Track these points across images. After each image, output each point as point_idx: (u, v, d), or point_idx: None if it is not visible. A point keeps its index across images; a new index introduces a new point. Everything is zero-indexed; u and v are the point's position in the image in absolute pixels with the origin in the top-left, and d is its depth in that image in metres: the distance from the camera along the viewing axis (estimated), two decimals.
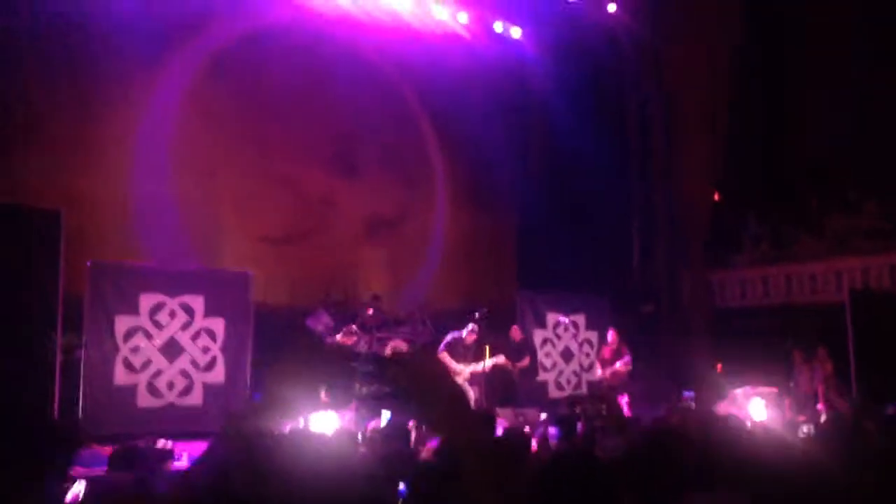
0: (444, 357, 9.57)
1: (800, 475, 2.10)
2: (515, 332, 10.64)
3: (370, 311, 10.78)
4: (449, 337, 9.92)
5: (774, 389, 10.61)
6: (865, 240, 12.47)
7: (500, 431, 4.96)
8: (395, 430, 4.02)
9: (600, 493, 2.11)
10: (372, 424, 5.56)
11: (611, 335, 10.86)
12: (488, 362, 9.74)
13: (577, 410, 7.64)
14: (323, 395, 1.43)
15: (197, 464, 1.39)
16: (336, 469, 1.70)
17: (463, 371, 9.49)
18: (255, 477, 1.85)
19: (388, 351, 10.06)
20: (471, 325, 9.86)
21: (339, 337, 9.50)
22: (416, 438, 4.79)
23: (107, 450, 5.95)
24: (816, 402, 10.60)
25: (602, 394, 10.30)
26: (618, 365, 10.57)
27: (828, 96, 13.86)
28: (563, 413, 7.63)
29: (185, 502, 1.32)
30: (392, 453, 3.06)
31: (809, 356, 11.28)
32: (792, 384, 11.29)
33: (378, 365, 1.37)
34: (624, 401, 10.24)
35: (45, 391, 6.97)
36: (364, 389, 1.35)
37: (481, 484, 1.27)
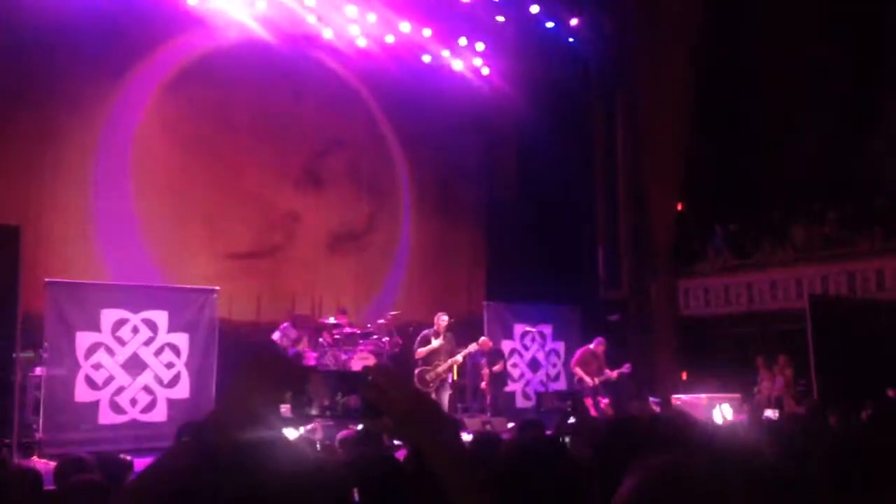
0: (421, 361, 9.71)
1: (753, 459, 2.14)
2: (486, 343, 10.60)
3: (336, 325, 10.73)
4: (420, 336, 9.99)
5: (738, 396, 10.77)
6: (824, 248, 12.74)
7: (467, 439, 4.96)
8: (367, 437, 3.99)
9: (569, 483, 2.12)
10: (342, 434, 5.51)
11: (603, 344, 10.99)
12: (459, 356, 9.87)
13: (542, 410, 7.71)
14: (285, 409, 1.41)
15: (152, 469, 1.36)
16: (298, 472, 1.69)
17: (437, 369, 9.63)
18: (216, 482, 1.83)
19: (356, 365, 10.02)
20: (438, 314, 9.96)
21: (276, 335, 9.79)
22: (388, 444, 4.78)
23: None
24: (776, 408, 10.77)
25: (569, 392, 10.47)
26: (621, 372, 10.84)
27: (792, 109, 14.17)
28: (529, 417, 7.66)
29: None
30: (360, 457, 3.05)
31: (771, 362, 11.48)
32: (756, 390, 11.47)
33: (347, 381, 1.36)
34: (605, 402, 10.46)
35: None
36: (330, 406, 1.33)
37: (453, 485, 1.28)
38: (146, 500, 1.27)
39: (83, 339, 8.47)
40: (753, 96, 14.81)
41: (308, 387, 1.35)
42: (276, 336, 10.25)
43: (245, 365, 1.37)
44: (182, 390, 9.03)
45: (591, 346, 11.07)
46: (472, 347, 10.19)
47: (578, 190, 14.10)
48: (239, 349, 9.66)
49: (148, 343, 8.90)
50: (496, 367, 10.56)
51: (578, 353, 11.14)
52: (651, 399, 11.01)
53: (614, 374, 10.92)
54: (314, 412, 1.36)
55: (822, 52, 13.69)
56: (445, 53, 13.54)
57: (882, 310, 10.85)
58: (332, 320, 10.78)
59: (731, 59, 14.61)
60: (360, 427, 5.18)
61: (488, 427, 8.47)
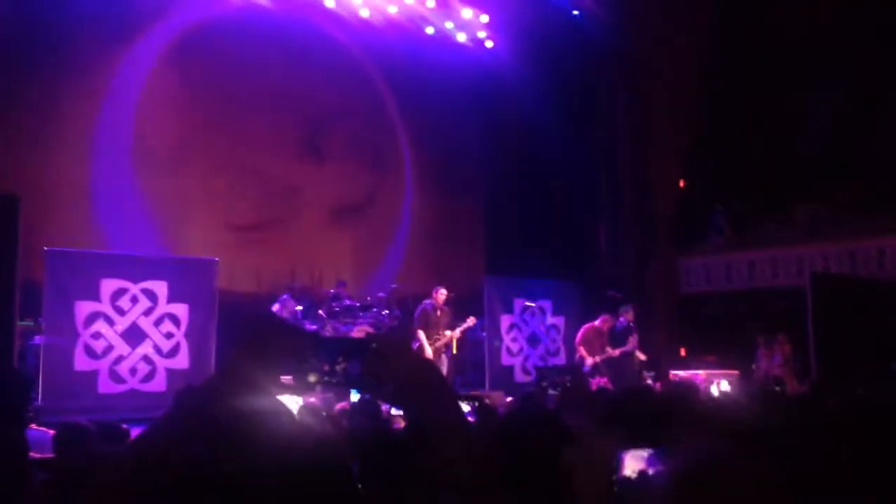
0: (420, 335, 9.68)
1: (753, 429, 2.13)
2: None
3: (336, 297, 10.73)
4: (419, 309, 9.96)
5: (736, 372, 10.80)
6: (826, 227, 12.70)
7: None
8: (365, 407, 3.99)
9: (566, 454, 2.11)
10: (340, 405, 5.53)
11: (608, 322, 10.92)
12: (458, 331, 9.87)
13: (545, 384, 7.69)
14: (286, 378, 1.38)
15: (146, 435, 1.34)
16: (296, 443, 1.66)
17: (436, 343, 9.65)
18: (211, 450, 1.81)
19: (357, 334, 10.04)
20: (437, 288, 9.94)
21: (276, 307, 9.80)
22: (386, 415, 4.79)
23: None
24: (776, 386, 10.79)
25: (568, 367, 10.46)
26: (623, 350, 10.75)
27: (797, 87, 14.04)
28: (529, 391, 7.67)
29: (133, 474, 1.27)
30: (359, 428, 3.04)
31: (770, 340, 11.49)
32: (754, 367, 11.50)
33: (347, 347, 1.34)
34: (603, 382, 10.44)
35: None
36: (330, 372, 1.31)
37: (452, 458, 1.26)
38: (138, 469, 1.25)
39: (82, 309, 8.47)
40: (758, 74, 14.67)
41: (309, 354, 1.33)
42: (275, 307, 10.26)
43: (245, 331, 1.34)
44: (181, 360, 9.04)
45: (597, 322, 10.98)
46: (470, 321, 10.19)
47: (580, 165, 14.02)
48: (239, 320, 9.66)
49: (147, 313, 8.89)
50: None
51: (583, 329, 11.07)
52: (646, 374, 11.03)
53: (616, 352, 10.87)
54: (314, 379, 1.34)
55: (830, 31, 13.53)
56: (449, 25, 13.39)
57: (883, 289, 10.83)
58: (332, 293, 10.79)
59: (737, 36, 14.45)
60: (357, 398, 5.20)
61: (487, 401, 8.48)
